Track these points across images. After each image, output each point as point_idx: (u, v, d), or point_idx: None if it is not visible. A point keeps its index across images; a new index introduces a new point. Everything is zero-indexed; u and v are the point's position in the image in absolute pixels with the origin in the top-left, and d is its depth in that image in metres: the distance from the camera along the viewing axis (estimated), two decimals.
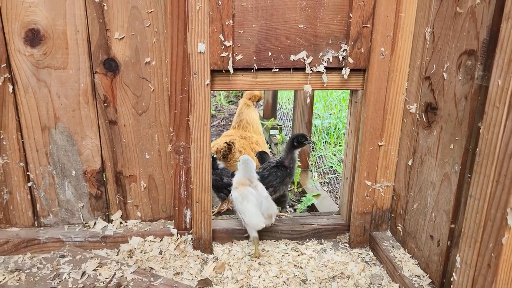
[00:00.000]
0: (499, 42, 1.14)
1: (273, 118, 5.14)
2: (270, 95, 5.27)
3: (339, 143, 4.50)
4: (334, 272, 1.84)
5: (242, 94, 7.47)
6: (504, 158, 1.13)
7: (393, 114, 1.86)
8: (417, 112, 1.74)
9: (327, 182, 3.63)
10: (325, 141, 4.53)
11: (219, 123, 6.04)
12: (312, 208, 3.15)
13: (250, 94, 3.64)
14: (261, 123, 5.19)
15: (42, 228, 2.00)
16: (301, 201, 3.17)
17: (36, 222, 2.01)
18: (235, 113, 6.49)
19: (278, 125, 4.88)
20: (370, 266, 1.90)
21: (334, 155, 4.17)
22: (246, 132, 3.41)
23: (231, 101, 7.35)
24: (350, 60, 1.77)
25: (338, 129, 4.74)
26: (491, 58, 1.28)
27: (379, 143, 1.90)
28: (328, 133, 4.70)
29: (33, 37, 1.74)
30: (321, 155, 4.20)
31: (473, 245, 1.26)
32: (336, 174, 3.79)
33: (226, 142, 2.97)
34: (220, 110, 6.73)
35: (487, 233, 1.20)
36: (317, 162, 4.08)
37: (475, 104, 1.37)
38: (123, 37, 1.79)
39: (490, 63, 1.29)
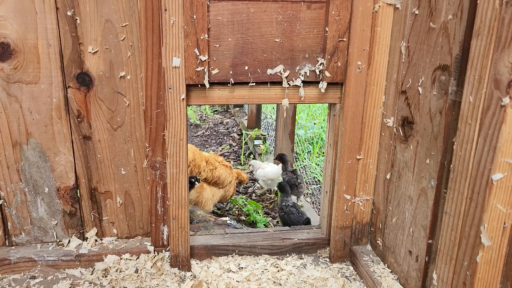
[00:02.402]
0: (469, 59, 1.14)
1: (257, 128, 5.13)
2: (254, 105, 5.26)
3: (322, 153, 4.50)
4: None
5: (227, 105, 7.45)
6: (477, 175, 1.12)
7: (371, 128, 1.85)
8: (394, 125, 1.74)
9: (310, 193, 3.61)
10: (309, 151, 4.53)
11: (203, 133, 6.01)
12: None
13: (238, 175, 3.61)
14: (246, 133, 5.19)
15: (13, 247, 1.94)
16: None
17: (7, 241, 1.94)
18: (219, 123, 6.48)
19: (262, 135, 4.86)
20: (350, 282, 1.88)
21: (317, 165, 4.17)
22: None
23: (216, 110, 7.34)
24: (327, 74, 1.76)
25: (322, 139, 4.75)
26: (463, 73, 1.28)
27: (358, 157, 1.89)
28: (311, 143, 4.70)
29: (3, 51, 1.70)
30: (304, 166, 4.20)
31: (448, 262, 1.25)
32: (319, 185, 3.78)
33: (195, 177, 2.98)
34: (205, 120, 6.70)
35: (462, 251, 1.19)
36: (301, 173, 4.07)
37: (450, 119, 1.37)
38: (96, 51, 1.76)
39: (463, 78, 1.29)
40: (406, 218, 1.66)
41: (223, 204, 3.48)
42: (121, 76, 1.80)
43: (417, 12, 1.53)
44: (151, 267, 1.90)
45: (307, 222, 2.71)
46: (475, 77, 1.11)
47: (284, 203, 2.85)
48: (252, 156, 4.64)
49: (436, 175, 1.45)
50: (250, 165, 3.91)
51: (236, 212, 3.31)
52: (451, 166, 1.24)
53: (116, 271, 1.87)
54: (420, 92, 1.53)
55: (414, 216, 1.60)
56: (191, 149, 3.12)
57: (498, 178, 1.06)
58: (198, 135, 5.91)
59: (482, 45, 1.08)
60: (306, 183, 3.84)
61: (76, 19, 1.70)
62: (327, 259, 2.05)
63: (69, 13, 1.69)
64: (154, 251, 1.97)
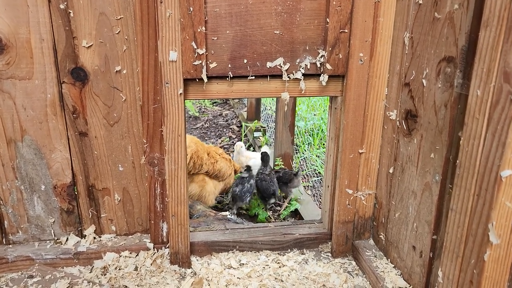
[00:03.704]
0: (477, 51, 1.10)
1: (256, 120, 5.08)
2: None
3: (323, 144, 4.46)
4: (316, 284, 1.79)
5: None
6: (485, 171, 1.08)
7: (373, 121, 1.81)
8: (397, 119, 1.70)
9: (311, 186, 3.58)
10: (309, 143, 4.49)
11: (202, 125, 5.96)
12: (295, 213, 3.10)
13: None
14: (245, 125, 5.14)
15: (10, 246, 1.91)
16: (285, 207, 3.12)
17: (4, 240, 1.91)
18: (219, 115, 6.43)
19: (262, 127, 4.82)
20: (353, 277, 1.85)
21: (318, 156, 4.14)
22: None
23: (215, 102, 7.28)
24: (328, 66, 1.72)
25: (322, 130, 4.71)
26: (470, 66, 1.24)
27: (360, 151, 1.85)
28: (311, 134, 4.66)
29: None
30: (304, 158, 4.16)
31: (455, 260, 1.22)
32: (320, 177, 3.75)
33: None
34: (204, 112, 6.65)
35: (468, 248, 1.16)
36: (301, 165, 4.04)
37: (455, 112, 1.33)
38: (91, 45, 1.71)
39: (469, 71, 1.25)
40: (409, 213, 1.63)
41: (222, 196, 3.46)
42: (116, 71, 1.75)
43: (421, 1, 1.48)
44: (151, 264, 1.87)
45: (273, 193, 2.96)
46: (483, 70, 1.07)
47: (261, 170, 3.11)
48: (252, 148, 4.60)
49: (441, 170, 1.41)
50: (241, 147, 3.86)
51: None
52: (457, 161, 1.20)
53: (115, 268, 1.84)
54: (424, 84, 1.49)
55: (418, 211, 1.57)
56: (193, 140, 3.09)
57: (507, 175, 1.02)
58: (197, 128, 5.86)
59: (491, 37, 1.04)
60: (307, 175, 3.81)
61: (70, 12, 1.65)
62: (329, 254, 2.03)
63: (62, 6, 1.64)
64: (153, 248, 1.94)
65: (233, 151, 3.97)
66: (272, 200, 3.01)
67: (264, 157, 3.20)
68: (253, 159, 3.69)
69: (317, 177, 3.76)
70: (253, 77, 1.72)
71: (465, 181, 1.16)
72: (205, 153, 3.09)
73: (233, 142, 5.06)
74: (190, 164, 2.93)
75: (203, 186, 3.05)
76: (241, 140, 4.89)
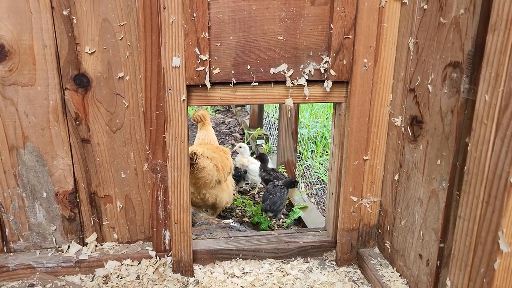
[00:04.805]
0: (485, 55, 1.08)
1: (259, 128, 5.07)
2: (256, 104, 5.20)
3: (326, 152, 4.44)
4: None
5: None
6: (494, 178, 1.06)
7: (378, 127, 1.79)
8: (402, 125, 1.68)
9: (314, 194, 3.56)
10: (312, 151, 4.47)
11: None
12: (299, 221, 3.08)
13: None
14: (248, 133, 5.13)
15: (11, 254, 1.89)
16: (288, 215, 3.10)
17: (5, 248, 1.89)
18: (221, 122, 6.42)
19: (264, 134, 4.81)
20: (358, 286, 1.82)
21: (321, 164, 4.11)
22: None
23: (217, 109, 7.28)
24: (332, 72, 1.70)
25: (325, 138, 4.69)
26: (477, 71, 1.23)
27: (364, 157, 1.83)
28: (314, 142, 4.64)
29: None
30: (307, 165, 4.14)
31: (463, 268, 1.19)
32: (323, 185, 3.73)
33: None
34: None
35: (478, 257, 1.14)
36: (304, 173, 4.01)
37: (462, 118, 1.31)
38: (94, 51, 1.70)
39: (476, 76, 1.23)
40: (415, 220, 1.61)
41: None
42: (119, 77, 1.75)
43: (426, 7, 1.47)
44: (153, 272, 1.85)
45: (265, 210, 2.95)
46: (491, 75, 1.05)
47: (272, 183, 3.09)
48: (254, 155, 4.58)
49: (447, 176, 1.39)
50: (240, 147, 3.93)
51: (239, 213, 3.26)
52: (465, 168, 1.18)
53: (117, 277, 1.82)
54: (430, 90, 1.47)
55: (424, 219, 1.54)
56: (210, 148, 3.06)
57: None
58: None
59: (499, 41, 1.02)
60: (310, 183, 3.79)
61: (72, 19, 1.65)
62: (334, 263, 2.00)
63: (65, 13, 1.64)
64: (156, 256, 1.92)
65: (237, 155, 3.99)
66: (271, 214, 2.96)
67: (262, 156, 3.20)
68: (253, 164, 3.71)
69: (320, 184, 3.73)
70: (257, 83, 1.71)
71: (474, 187, 1.13)
72: (224, 157, 3.06)
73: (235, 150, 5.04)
74: (221, 175, 2.88)
75: (228, 184, 3.05)
76: None
